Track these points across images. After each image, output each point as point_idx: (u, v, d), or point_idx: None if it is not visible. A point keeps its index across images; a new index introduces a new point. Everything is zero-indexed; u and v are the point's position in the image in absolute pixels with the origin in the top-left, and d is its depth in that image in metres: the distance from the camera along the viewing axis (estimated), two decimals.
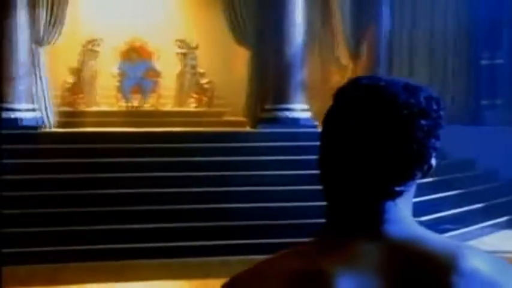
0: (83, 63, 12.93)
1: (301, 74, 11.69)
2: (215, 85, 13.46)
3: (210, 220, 9.35)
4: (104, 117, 12.48)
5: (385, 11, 12.71)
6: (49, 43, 11.12)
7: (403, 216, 1.35)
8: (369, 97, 1.33)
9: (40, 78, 10.96)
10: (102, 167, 9.97)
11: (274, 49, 11.55)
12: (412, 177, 1.36)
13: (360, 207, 1.34)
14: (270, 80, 11.61)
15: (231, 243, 8.92)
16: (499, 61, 14.17)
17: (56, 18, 11.04)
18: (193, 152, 10.50)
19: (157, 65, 13.49)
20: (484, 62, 14.31)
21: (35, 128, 10.74)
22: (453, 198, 10.82)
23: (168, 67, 13.41)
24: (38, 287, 7.80)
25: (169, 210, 9.38)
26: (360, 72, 11.86)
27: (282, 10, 11.53)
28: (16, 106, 10.59)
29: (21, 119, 10.60)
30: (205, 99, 13.42)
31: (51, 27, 11.03)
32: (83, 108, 12.84)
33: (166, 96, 13.57)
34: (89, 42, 12.98)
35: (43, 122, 10.96)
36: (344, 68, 12.56)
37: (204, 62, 13.50)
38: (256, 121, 11.60)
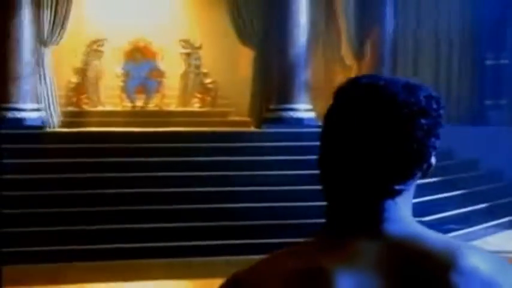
0: (87, 63, 12.94)
1: (305, 74, 11.69)
2: (219, 85, 13.46)
3: (214, 220, 9.35)
4: (108, 117, 12.49)
5: (389, 11, 12.70)
6: (53, 43, 11.14)
7: (403, 215, 1.35)
8: (369, 96, 1.33)
9: (44, 78, 10.98)
10: (106, 167, 9.99)
11: (278, 49, 11.56)
12: (412, 176, 1.36)
13: (359, 206, 1.35)
14: (274, 80, 11.62)
15: (235, 243, 8.92)
16: (504, 61, 14.15)
17: (60, 18, 11.06)
18: (198, 151, 10.51)
19: (161, 65, 13.49)
20: (488, 62, 14.29)
21: (40, 127, 10.76)
22: (457, 198, 10.81)
23: (172, 67, 13.42)
24: (42, 287, 7.80)
25: (174, 210, 9.39)
26: (364, 72, 11.81)
27: (286, 10, 11.53)
28: (21, 106, 10.61)
29: (26, 119, 10.62)
30: (209, 99, 13.42)
31: (55, 27, 11.05)
32: (87, 108, 12.85)
33: (170, 96, 13.57)
34: (93, 42, 12.99)
35: (47, 121, 10.98)
36: (348, 68, 12.55)
37: (208, 62, 13.50)
38: (261, 121, 11.61)
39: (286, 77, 11.52)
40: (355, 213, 1.35)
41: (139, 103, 13.24)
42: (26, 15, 10.61)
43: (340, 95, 1.37)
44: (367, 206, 1.34)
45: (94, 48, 12.98)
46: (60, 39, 11.17)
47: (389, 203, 1.34)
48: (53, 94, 11.15)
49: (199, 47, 13.49)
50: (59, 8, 11.04)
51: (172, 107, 13.52)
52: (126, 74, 13.31)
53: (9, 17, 10.52)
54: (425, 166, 1.36)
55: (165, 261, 8.62)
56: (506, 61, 14.10)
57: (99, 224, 9.03)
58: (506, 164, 12.13)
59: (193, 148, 10.59)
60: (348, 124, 1.34)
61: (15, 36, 10.55)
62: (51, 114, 11.04)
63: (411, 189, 1.38)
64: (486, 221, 10.50)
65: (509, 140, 12.24)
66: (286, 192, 9.79)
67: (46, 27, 10.98)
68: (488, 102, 14.17)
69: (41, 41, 10.95)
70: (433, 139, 1.35)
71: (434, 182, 9.84)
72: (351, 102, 1.35)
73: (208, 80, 13.47)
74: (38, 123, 10.78)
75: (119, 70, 13.34)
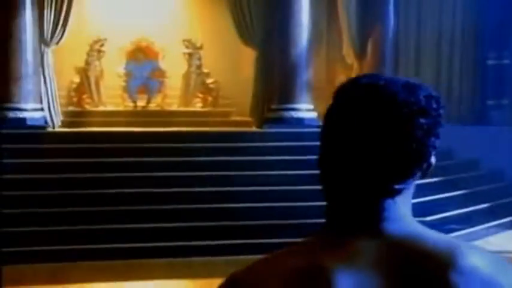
0: (89, 63, 12.95)
1: (306, 74, 11.69)
2: (221, 85, 13.47)
3: (215, 220, 9.35)
4: (110, 117, 12.50)
5: (391, 10, 12.69)
6: (55, 43, 11.14)
7: (403, 214, 1.36)
8: (369, 96, 1.33)
9: (46, 78, 10.98)
10: (108, 167, 9.99)
11: (280, 49, 11.56)
12: (412, 176, 1.36)
13: (359, 205, 1.35)
14: (276, 80, 11.62)
15: (236, 243, 8.92)
16: (506, 61, 14.14)
17: (62, 18, 11.06)
18: (199, 151, 10.51)
19: (163, 65, 13.51)
20: (490, 62, 14.28)
21: (42, 127, 10.77)
22: (458, 198, 10.80)
23: (174, 67, 13.42)
24: (42, 286, 7.81)
25: (175, 210, 9.39)
26: (366, 71, 11.82)
27: (287, 10, 11.53)
28: (23, 106, 10.61)
29: (28, 119, 10.62)
30: (210, 99, 13.43)
31: (57, 27, 11.06)
32: (88, 108, 12.87)
33: (172, 96, 13.58)
34: (95, 42, 13.00)
35: (49, 121, 10.98)
36: (349, 68, 12.55)
37: (210, 62, 13.51)
38: (262, 121, 11.61)
39: (287, 77, 11.52)
40: (354, 212, 1.35)
41: (141, 103, 13.25)
42: (28, 15, 10.61)
43: (340, 94, 1.38)
44: (367, 205, 1.34)
45: (96, 48, 12.99)
46: (62, 39, 11.17)
47: (389, 202, 1.35)
48: (55, 94, 11.16)
49: (201, 47, 13.50)
50: (60, 7, 11.04)
51: (174, 107, 13.53)
52: (128, 74, 13.32)
53: (12, 17, 10.52)
54: (425, 166, 1.37)
55: (166, 261, 8.62)
56: (508, 61, 14.09)
57: (100, 223, 9.03)
58: (507, 164, 12.12)
59: (194, 148, 10.59)
60: (348, 124, 1.34)
61: (17, 36, 10.55)
62: (53, 114, 11.04)
63: (411, 188, 1.38)
64: (487, 221, 10.49)
65: (511, 140, 12.23)
66: (287, 192, 9.78)
67: (48, 27, 10.99)
68: (490, 102, 14.16)
69: (43, 41, 10.96)
70: (432, 138, 1.35)
71: (435, 182, 9.84)
72: (351, 102, 1.35)
73: (210, 80, 13.48)
74: (40, 123, 10.79)
75: (120, 70, 13.35)
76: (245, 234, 9.05)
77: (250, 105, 12.03)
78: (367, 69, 12.11)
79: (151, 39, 13.52)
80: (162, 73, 13.45)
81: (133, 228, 9.10)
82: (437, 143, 1.36)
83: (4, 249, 7.82)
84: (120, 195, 9.49)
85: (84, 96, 12.94)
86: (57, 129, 11.09)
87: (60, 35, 11.12)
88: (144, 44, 13.55)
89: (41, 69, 10.89)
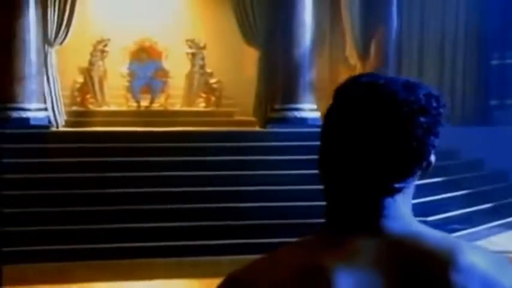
0: (92, 63, 12.96)
1: (309, 74, 11.68)
2: (224, 85, 13.47)
3: (219, 219, 9.36)
4: (114, 117, 12.51)
5: (394, 11, 12.68)
6: (59, 43, 11.16)
7: (402, 212, 1.36)
8: (369, 95, 1.34)
9: (50, 78, 11.00)
10: (112, 167, 10.00)
11: (283, 49, 11.56)
12: (412, 175, 1.36)
13: (359, 204, 1.35)
14: (279, 79, 11.61)
15: (241, 242, 8.92)
16: (509, 61, 14.13)
17: (65, 18, 11.08)
18: (202, 151, 10.52)
19: (167, 65, 13.51)
20: (494, 62, 14.27)
21: (45, 127, 10.78)
22: (461, 198, 10.79)
23: (177, 67, 13.43)
24: (43, 286, 7.81)
25: (179, 210, 9.40)
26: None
27: (291, 10, 11.53)
28: (26, 106, 10.62)
29: (32, 119, 10.64)
30: (213, 99, 13.43)
31: (61, 27, 11.07)
32: (92, 107, 12.88)
33: (175, 96, 13.59)
34: (99, 42, 13.01)
35: (53, 121, 11.00)
36: (353, 69, 12.54)
37: (213, 61, 13.51)
38: (265, 121, 11.61)
39: (291, 77, 11.52)
40: (354, 211, 1.35)
41: (144, 103, 13.26)
42: (31, 15, 10.62)
43: (340, 94, 1.38)
44: (367, 204, 1.35)
45: (99, 48, 13.00)
46: (66, 39, 11.19)
47: (389, 201, 1.35)
48: (58, 94, 11.17)
49: (204, 47, 13.51)
50: (64, 7, 11.06)
51: (177, 107, 13.53)
52: (132, 74, 13.34)
53: (15, 17, 10.54)
54: (424, 164, 1.37)
55: (172, 260, 8.63)
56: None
57: (104, 223, 9.04)
58: (511, 164, 12.10)
59: (198, 148, 10.60)
60: (348, 123, 1.34)
61: (21, 36, 10.56)
62: (56, 114, 11.06)
63: (411, 187, 1.38)
64: (490, 221, 10.48)
65: None
66: (291, 192, 9.79)
67: (51, 27, 11.00)
68: (493, 102, 14.15)
69: (47, 41, 10.98)
70: (432, 137, 1.35)
71: (438, 181, 9.84)
72: (351, 101, 1.35)
73: (213, 80, 13.48)
74: (44, 122, 10.80)
75: (124, 70, 13.37)
76: (250, 234, 9.05)
77: (253, 105, 12.03)
78: (370, 70, 12.08)
79: (155, 39, 13.53)
80: (165, 73, 13.46)
81: (137, 227, 9.11)
82: (437, 142, 1.36)
83: (5, 249, 7.82)
84: (123, 194, 9.51)
85: (88, 96, 12.95)
86: (60, 129, 11.11)
87: (63, 35, 11.14)
88: (147, 44, 13.56)
89: (44, 69, 10.91)
